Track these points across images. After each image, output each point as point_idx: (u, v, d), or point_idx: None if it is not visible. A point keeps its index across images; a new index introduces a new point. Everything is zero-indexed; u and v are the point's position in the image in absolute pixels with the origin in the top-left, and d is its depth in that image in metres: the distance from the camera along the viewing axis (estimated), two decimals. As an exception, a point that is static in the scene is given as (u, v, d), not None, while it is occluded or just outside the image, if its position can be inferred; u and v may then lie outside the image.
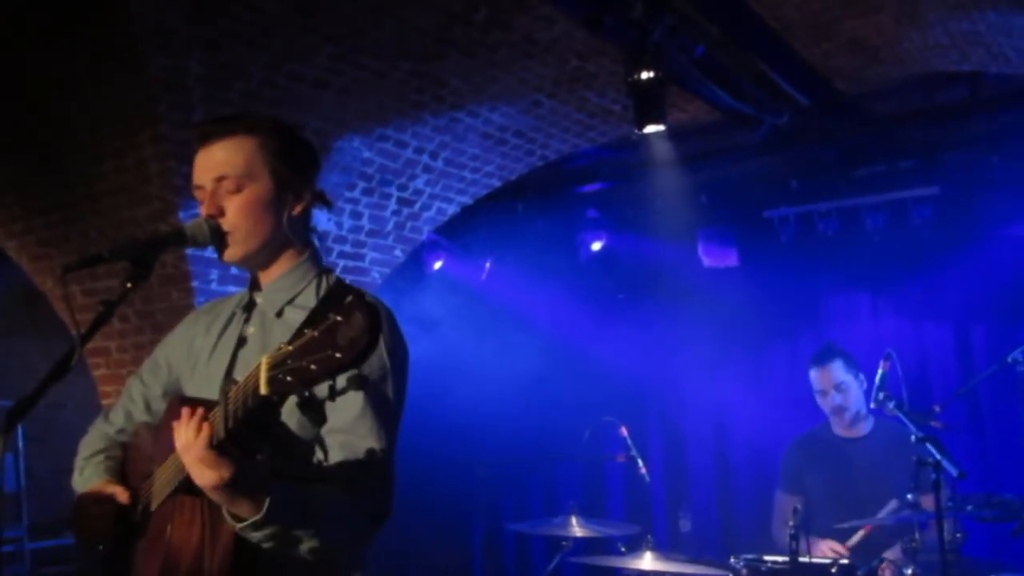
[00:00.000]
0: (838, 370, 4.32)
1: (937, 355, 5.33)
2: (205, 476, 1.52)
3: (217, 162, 1.89)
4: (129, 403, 2.13)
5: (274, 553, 1.73)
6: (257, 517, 1.56)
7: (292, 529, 1.63)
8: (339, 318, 1.38)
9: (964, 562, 3.57)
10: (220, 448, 1.52)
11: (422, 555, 6.26)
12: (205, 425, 1.53)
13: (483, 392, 5.77)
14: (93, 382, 5.05)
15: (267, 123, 1.96)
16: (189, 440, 1.52)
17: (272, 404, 1.49)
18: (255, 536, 1.60)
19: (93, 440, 2.12)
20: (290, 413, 1.79)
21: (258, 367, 1.45)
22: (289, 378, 1.40)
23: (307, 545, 1.66)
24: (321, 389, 1.47)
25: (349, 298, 1.40)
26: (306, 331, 1.41)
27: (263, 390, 1.43)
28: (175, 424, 1.56)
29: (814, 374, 4.41)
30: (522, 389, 5.86)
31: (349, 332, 1.37)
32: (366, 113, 4.50)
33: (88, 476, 2.02)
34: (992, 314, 5.16)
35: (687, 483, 5.90)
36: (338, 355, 1.37)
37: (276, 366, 1.42)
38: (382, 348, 1.81)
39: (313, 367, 1.39)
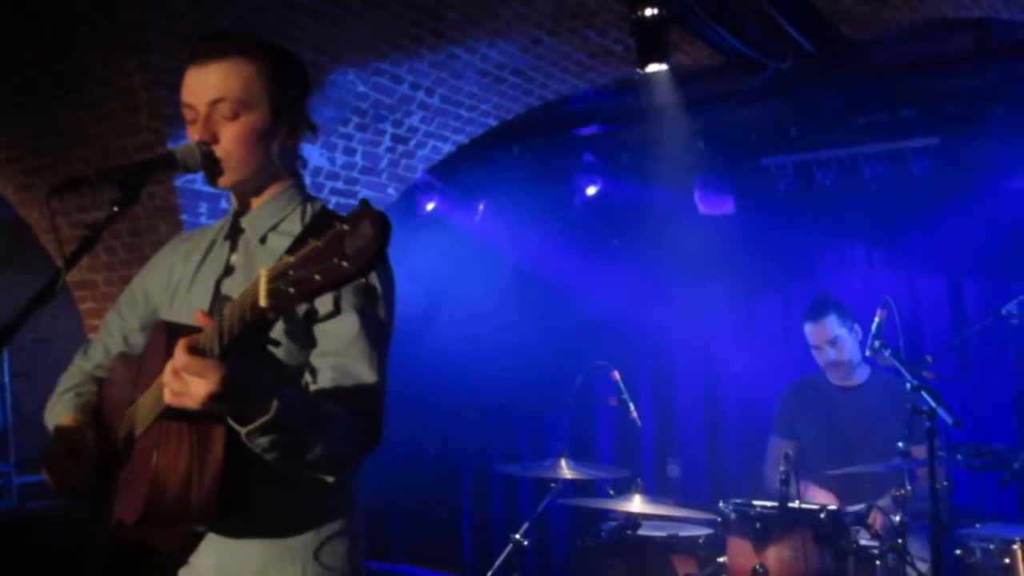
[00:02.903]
0: (832, 324, 4.31)
1: (931, 307, 5.31)
2: (197, 388, 1.44)
3: (211, 84, 1.82)
4: (107, 337, 2.09)
5: (264, 479, 1.69)
6: (267, 417, 1.50)
7: (301, 433, 1.58)
8: (345, 227, 1.31)
9: (952, 510, 3.60)
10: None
11: (411, 496, 6.29)
12: (186, 340, 1.46)
13: (474, 335, 5.75)
14: (80, 317, 4.99)
15: (263, 48, 1.88)
16: (179, 360, 1.46)
17: (268, 321, 1.42)
18: (261, 442, 1.54)
19: (70, 376, 2.09)
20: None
21: (257, 279, 1.37)
22: (292, 289, 1.33)
23: (313, 454, 1.61)
24: (324, 304, 1.39)
25: (356, 207, 1.33)
26: (309, 240, 1.33)
27: (262, 302, 1.36)
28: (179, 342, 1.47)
29: (808, 329, 4.39)
30: (514, 332, 5.83)
31: (357, 240, 1.30)
32: (361, 45, 4.39)
33: (57, 413, 1.99)
34: (987, 267, 5.13)
35: (677, 429, 5.91)
36: (345, 264, 1.30)
37: (277, 277, 1.34)
38: (373, 274, 1.75)
39: (318, 277, 1.31)
